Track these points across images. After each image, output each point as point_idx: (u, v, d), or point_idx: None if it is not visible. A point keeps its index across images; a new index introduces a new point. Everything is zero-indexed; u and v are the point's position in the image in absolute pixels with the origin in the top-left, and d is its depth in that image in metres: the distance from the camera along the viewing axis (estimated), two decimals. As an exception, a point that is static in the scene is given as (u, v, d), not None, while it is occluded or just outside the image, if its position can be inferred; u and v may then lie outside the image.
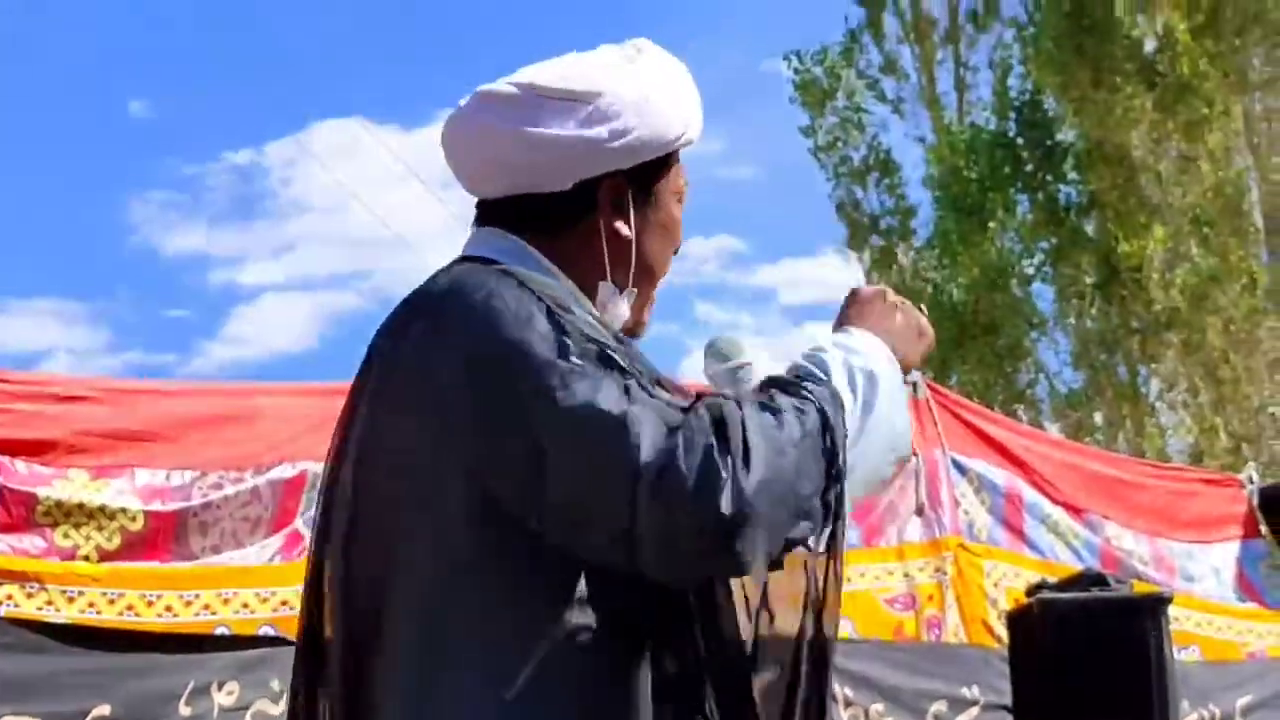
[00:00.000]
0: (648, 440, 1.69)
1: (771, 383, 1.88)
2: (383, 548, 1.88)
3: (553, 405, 1.74)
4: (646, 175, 2.12)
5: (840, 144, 23.78)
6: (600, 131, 2.04)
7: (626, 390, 1.75)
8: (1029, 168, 21.24)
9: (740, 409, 1.74)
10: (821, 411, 1.80)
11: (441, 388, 1.83)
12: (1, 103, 37.30)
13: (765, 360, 2.17)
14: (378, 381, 1.97)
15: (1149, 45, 19.19)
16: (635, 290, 2.11)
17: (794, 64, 24.04)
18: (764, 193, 35.84)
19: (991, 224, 20.88)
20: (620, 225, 2.09)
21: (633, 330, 2.14)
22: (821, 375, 1.89)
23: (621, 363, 1.80)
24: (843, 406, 1.86)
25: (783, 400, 1.80)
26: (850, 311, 2.07)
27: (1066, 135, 21.20)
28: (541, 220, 2.09)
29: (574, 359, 1.77)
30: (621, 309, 2.09)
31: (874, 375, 1.94)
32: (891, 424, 1.93)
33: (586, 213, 2.09)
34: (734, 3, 38.41)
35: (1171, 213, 19.21)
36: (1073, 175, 20.95)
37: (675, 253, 2.19)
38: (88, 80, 39.17)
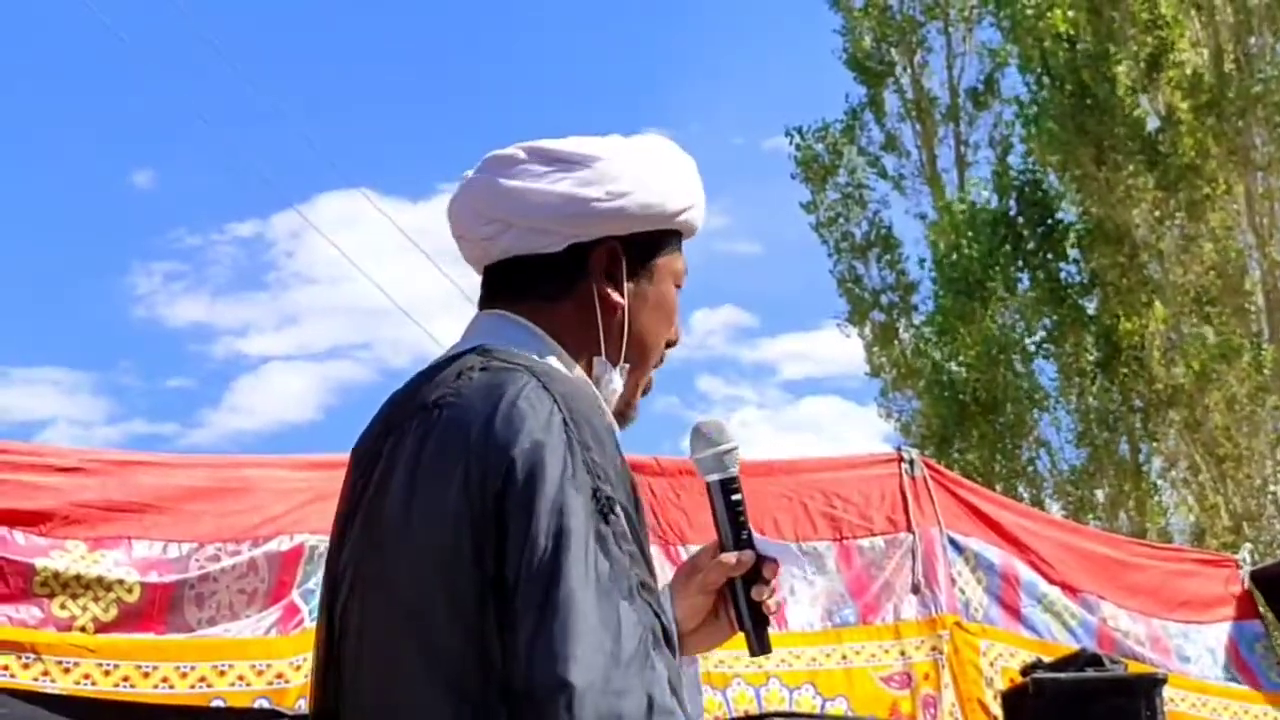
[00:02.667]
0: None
1: None
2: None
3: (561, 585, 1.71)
4: (644, 247, 2.11)
5: (842, 220, 23.93)
6: (595, 191, 2.04)
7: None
8: (1029, 246, 21.32)
9: None
10: None
11: (459, 515, 1.79)
12: (6, 172, 37.51)
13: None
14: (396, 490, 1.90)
15: (1151, 124, 19.30)
16: (628, 366, 2.10)
17: (795, 140, 24.20)
18: (766, 268, 35.96)
19: (992, 301, 20.93)
20: (612, 292, 2.07)
21: (623, 413, 2.13)
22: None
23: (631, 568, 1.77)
24: None
25: None
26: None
27: (1067, 214, 21.29)
28: (538, 285, 2.08)
29: (611, 548, 1.76)
30: (616, 384, 2.09)
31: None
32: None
33: (581, 277, 2.07)
34: (736, 81, 38.68)
35: (1173, 291, 19.26)
36: (1074, 254, 21.01)
37: (672, 343, 2.19)
38: (91, 151, 39.37)
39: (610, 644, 1.68)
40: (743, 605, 2.12)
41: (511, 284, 2.10)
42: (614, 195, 2.05)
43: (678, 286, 2.17)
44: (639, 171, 2.08)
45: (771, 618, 2.14)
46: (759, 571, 2.11)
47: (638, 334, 2.10)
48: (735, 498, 2.14)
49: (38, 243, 37.85)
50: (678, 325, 2.19)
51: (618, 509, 1.79)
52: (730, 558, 2.12)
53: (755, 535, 2.14)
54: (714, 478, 2.14)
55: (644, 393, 2.17)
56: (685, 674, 2.05)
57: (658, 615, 1.77)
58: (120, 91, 40.70)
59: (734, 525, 2.14)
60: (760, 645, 2.13)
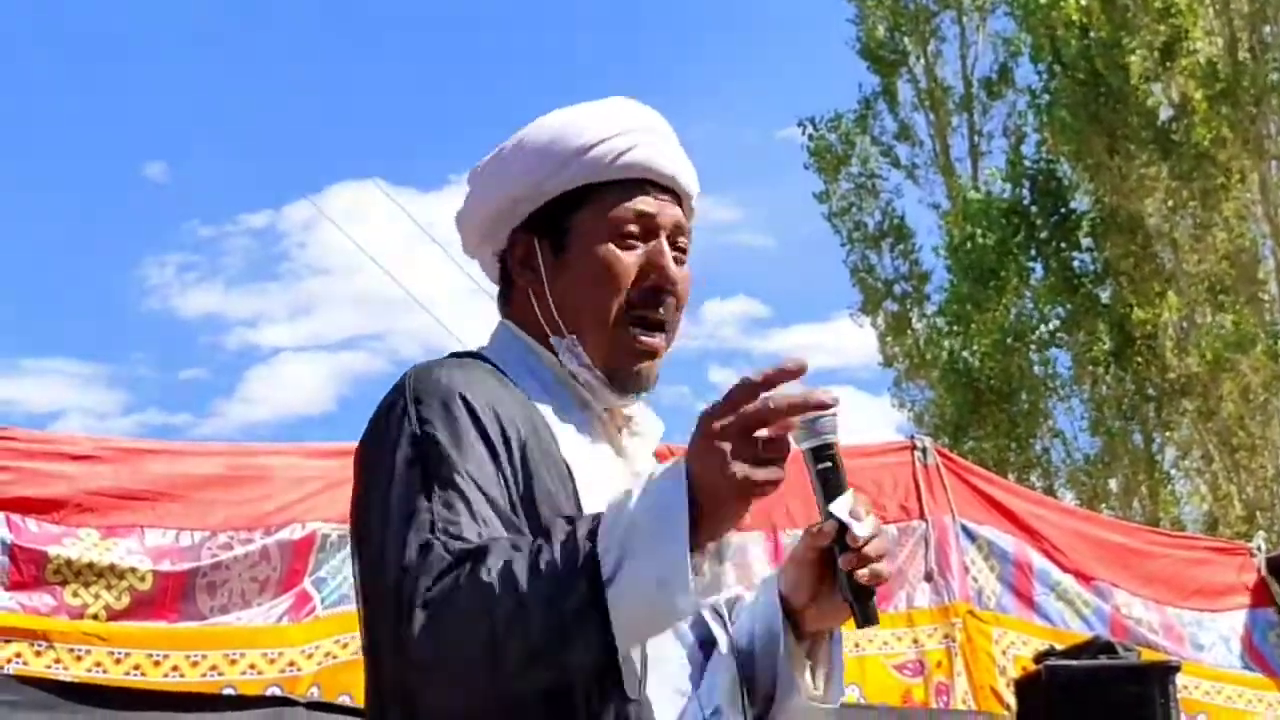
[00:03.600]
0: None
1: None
2: None
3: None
4: (547, 223, 2.17)
5: (855, 210, 23.89)
6: (466, 207, 2.26)
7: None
8: (1043, 235, 21.28)
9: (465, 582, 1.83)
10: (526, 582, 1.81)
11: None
12: (20, 165, 37.57)
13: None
14: None
15: (1164, 113, 19.25)
16: (574, 336, 2.12)
17: (808, 130, 24.16)
18: (779, 259, 35.94)
19: (1005, 291, 20.90)
20: (528, 280, 2.18)
21: (614, 374, 2.13)
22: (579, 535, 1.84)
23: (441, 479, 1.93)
24: (578, 569, 1.81)
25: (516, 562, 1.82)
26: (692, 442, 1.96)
27: (1080, 203, 21.24)
28: (501, 292, 2.25)
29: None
30: (569, 359, 2.13)
31: (635, 527, 1.83)
32: (654, 574, 1.80)
33: (513, 275, 2.22)
34: (749, 72, 38.64)
35: (1187, 280, 19.23)
36: (1087, 243, 20.97)
37: (654, 287, 2.15)
38: (104, 144, 39.44)
39: (395, 532, 1.91)
40: (841, 577, 2.03)
41: (499, 296, 2.27)
42: (474, 203, 2.24)
43: (625, 235, 2.14)
44: (492, 169, 2.22)
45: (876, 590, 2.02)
46: (844, 541, 2.01)
47: (567, 305, 2.13)
48: (822, 466, 2.03)
49: (51, 234, 37.94)
50: (630, 267, 2.14)
51: (436, 434, 1.96)
52: (814, 527, 2.06)
53: (841, 502, 2.02)
54: (803, 445, 2.04)
55: (641, 348, 2.14)
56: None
57: (481, 490, 1.93)
58: (133, 83, 40.74)
59: (821, 494, 2.04)
60: (860, 617, 2.02)
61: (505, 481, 1.96)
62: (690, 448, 1.86)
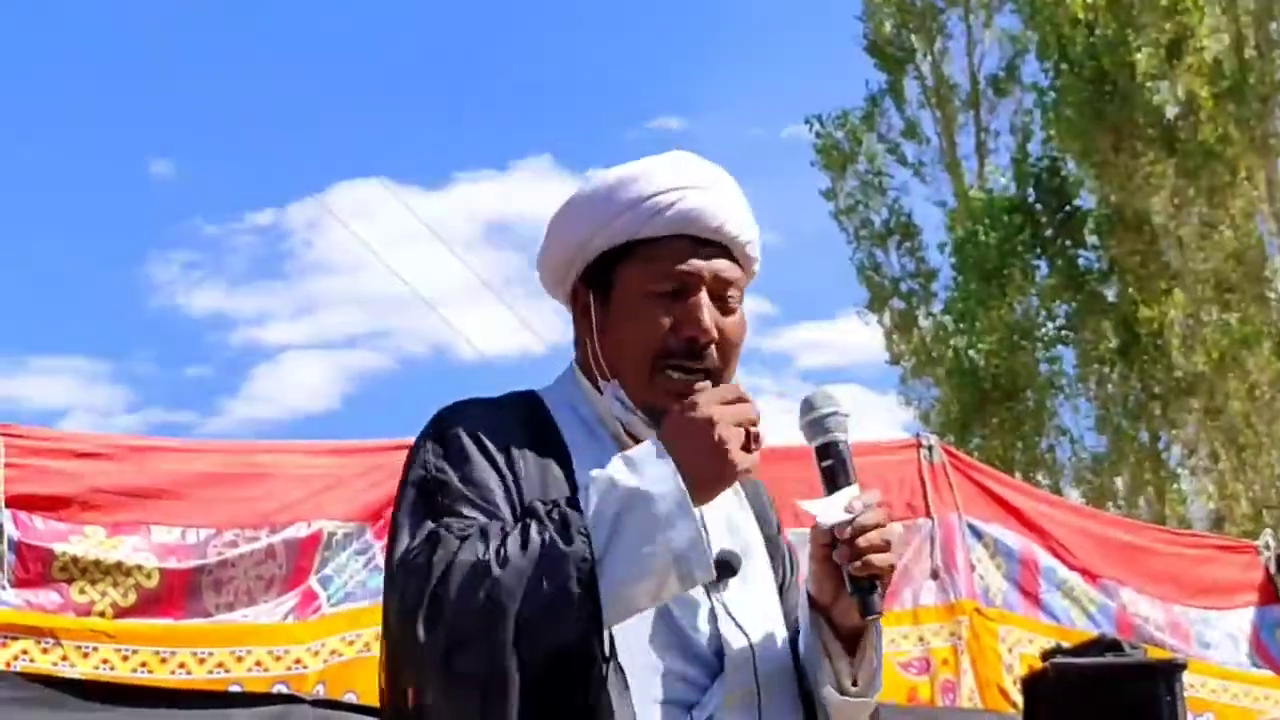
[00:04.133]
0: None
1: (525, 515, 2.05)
2: None
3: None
4: (596, 276, 2.31)
5: (861, 207, 23.88)
6: (539, 258, 2.41)
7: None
8: (1049, 233, 21.27)
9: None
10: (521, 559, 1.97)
11: None
12: (25, 162, 37.60)
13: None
14: None
15: (1171, 111, 19.23)
16: (615, 380, 2.27)
17: (815, 127, 24.15)
18: (786, 257, 35.91)
19: (1010, 289, 20.89)
20: (584, 330, 2.32)
21: (653, 411, 2.22)
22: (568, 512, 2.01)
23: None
24: (569, 539, 1.97)
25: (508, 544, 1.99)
26: (668, 420, 2.13)
27: (1086, 201, 21.24)
28: (575, 326, 2.39)
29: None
30: (611, 401, 2.27)
31: (634, 497, 2.00)
32: (649, 544, 1.98)
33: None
34: (756, 70, 38.61)
35: (1192, 278, 19.22)
36: (1093, 240, 20.96)
37: (689, 338, 2.24)
38: (110, 141, 39.45)
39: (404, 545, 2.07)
40: (844, 570, 2.12)
41: (573, 339, 2.41)
42: (545, 249, 2.38)
43: (660, 291, 2.25)
44: (560, 219, 2.36)
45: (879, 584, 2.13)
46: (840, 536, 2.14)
47: (610, 353, 2.28)
48: (825, 464, 2.19)
49: (56, 232, 37.96)
50: (664, 320, 2.25)
51: (444, 476, 2.14)
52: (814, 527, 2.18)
53: (837, 497, 2.15)
54: (812, 443, 2.21)
55: (676, 389, 2.22)
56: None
57: (484, 508, 2.10)
58: (139, 81, 40.76)
59: (825, 489, 2.18)
60: (860, 608, 2.12)
61: (510, 497, 2.13)
62: (680, 430, 2.06)
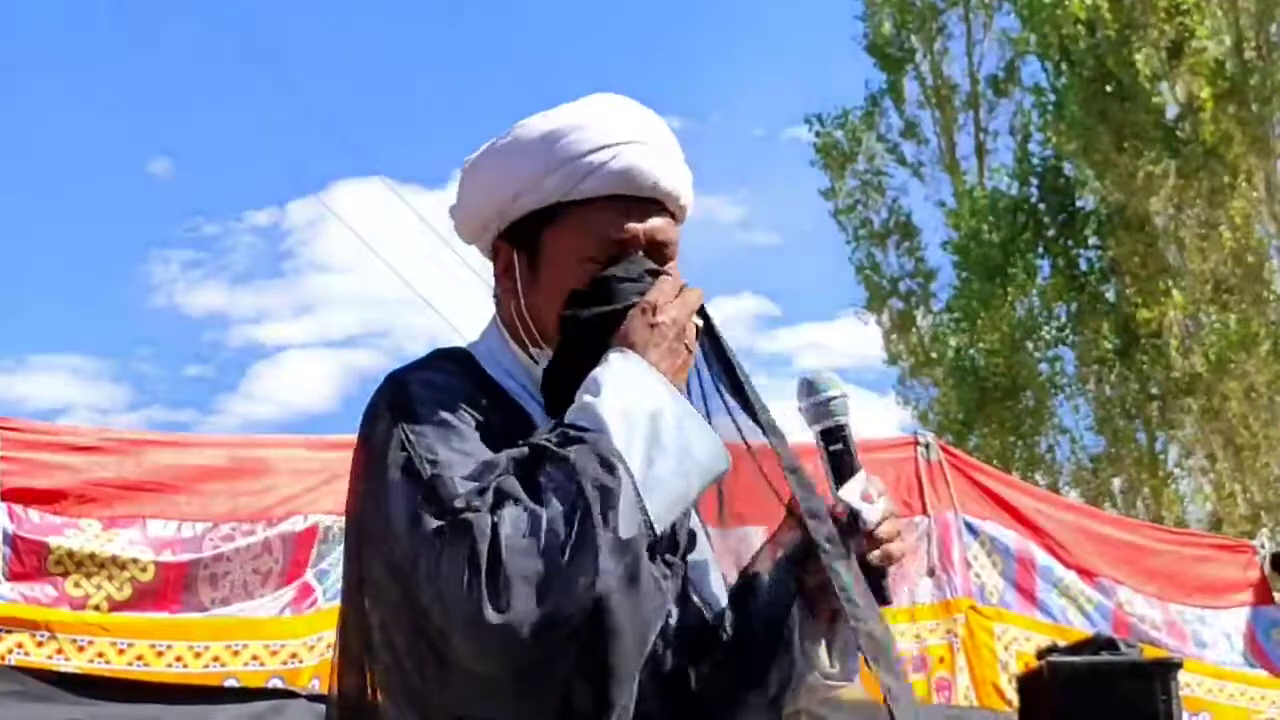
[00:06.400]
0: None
1: (535, 456, 1.87)
2: None
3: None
4: (523, 235, 2.15)
5: (860, 207, 23.85)
6: (453, 211, 2.27)
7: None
8: (1049, 233, 21.27)
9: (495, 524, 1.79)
10: (579, 489, 1.80)
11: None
12: (24, 160, 37.60)
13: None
14: None
15: (1171, 111, 19.24)
16: (548, 349, 2.11)
17: (815, 127, 24.15)
18: (785, 256, 35.94)
19: (1011, 288, 20.89)
20: (504, 286, 2.18)
21: None
22: (591, 433, 1.87)
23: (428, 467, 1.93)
24: (612, 466, 1.83)
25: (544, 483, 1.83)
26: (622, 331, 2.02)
27: (1087, 201, 21.23)
28: (496, 282, 2.23)
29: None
30: (535, 368, 2.13)
31: (657, 413, 1.90)
32: (687, 451, 1.89)
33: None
34: (756, 70, 38.57)
35: (1192, 279, 19.22)
36: (1093, 241, 20.97)
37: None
38: (109, 139, 39.42)
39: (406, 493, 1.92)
40: (853, 559, 2.03)
41: (493, 294, 2.26)
42: (463, 200, 2.23)
43: (590, 256, 2.10)
44: (481, 169, 2.19)
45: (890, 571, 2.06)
46: (855, 525, 2.05)
47: (538, 319, 2.12)
48: (834, 448, 2.08)
49: (56, 230, 37.93)
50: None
51: (418, 427, 1.97)
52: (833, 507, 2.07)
53: (853, 484, 2.06)
54: (815, 427, 2.10)
55: None
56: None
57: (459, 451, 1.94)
58: (139, 79, 40.76)
59: (832, 476, 2.08)
60: (878, 596, 2.04)
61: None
62: (644, 339, 1.98)
